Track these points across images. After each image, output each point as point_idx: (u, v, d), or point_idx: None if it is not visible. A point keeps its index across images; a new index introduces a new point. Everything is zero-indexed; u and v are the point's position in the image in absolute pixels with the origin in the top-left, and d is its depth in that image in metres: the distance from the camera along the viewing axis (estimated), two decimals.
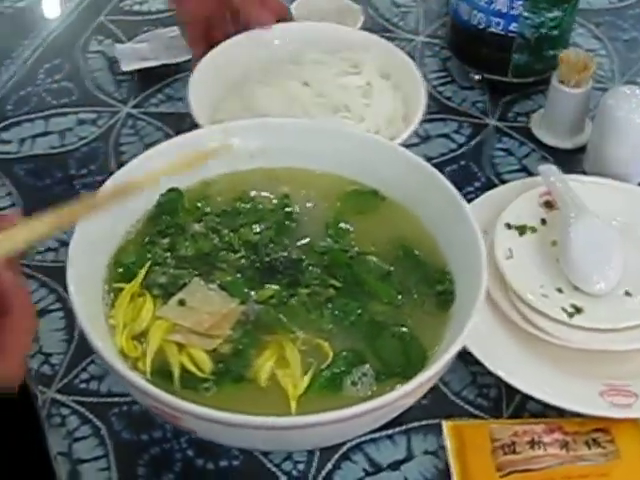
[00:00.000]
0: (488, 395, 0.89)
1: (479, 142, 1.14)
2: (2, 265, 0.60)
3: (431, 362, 0.76)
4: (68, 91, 1.22)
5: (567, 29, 1.16)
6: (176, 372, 0.75)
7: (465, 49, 1.21)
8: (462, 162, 1.12)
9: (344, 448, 0.84)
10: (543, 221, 0.98)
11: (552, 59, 1.13)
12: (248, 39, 1.11)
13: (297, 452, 0.84)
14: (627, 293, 0.91)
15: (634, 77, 1.24)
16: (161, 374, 0.75)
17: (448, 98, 1.21)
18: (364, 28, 1.18)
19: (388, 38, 1.16)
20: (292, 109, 1.03)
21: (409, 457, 0.84)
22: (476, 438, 0.83)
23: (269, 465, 0.83)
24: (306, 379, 0.75)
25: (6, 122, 1.17)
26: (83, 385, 0.89)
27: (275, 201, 0.90)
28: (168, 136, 1.11)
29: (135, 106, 1.19)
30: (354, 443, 0.84)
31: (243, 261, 0.84)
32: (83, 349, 0.90)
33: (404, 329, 0.79)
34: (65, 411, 0.87)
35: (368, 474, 0.83)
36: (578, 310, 0.89)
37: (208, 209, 0.88)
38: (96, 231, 0.79)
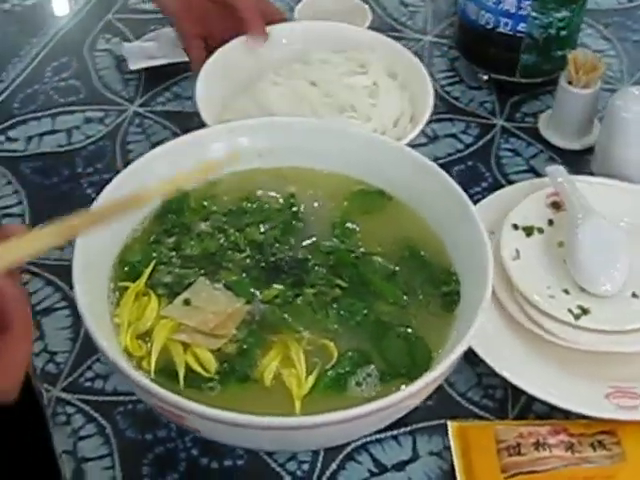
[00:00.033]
0: (494, 396, 0.88)
1: (486, 142, 1.14)
2: (3, 277, 0.61)
3: (436, 363, 0.76)
4: (75, 89, 1.22)
5: (575, 29, 1.16)
6: (181, 371, 0.75)
7: (473, 49, 1.21)
8: (469, 162, 1.12)
9: (349, 448, 0.84)
10: (550, 222, 0.98)
11: (560, 59, 1.12)
12: None
13: (301, 452, 0.84)
14: (634, 295, 0.91)
15: None
16: (166, 373, 0.75)
17: (456, 98, 1.20)
18: (372, 27, 1.18)
19: (396, 37, 1.16)
20: (300, 108, 1.03)
21: (414, 458, 0.84)
22: (481, 439, 0.83)
23: (273, 465, 0.83)
24: (311, 379, 0.75)
25: (13, 120, 1.17)
26: (88, 383, 0.89)
27: (281, 201, 0.90)
28: (175, 135, 1.12)
29: (142, 104, 1.19)
30: (359, 443, 0.84)
31: (249, 261, 0.84)
32: (88, 347, 0.90)
33: (409, 329, 0.79)
34: (70, 409, 0.87)
35: (373, 474, 0.83)
36: (584, 311, 0.89)
37: (214, 208, 0.88)
38: (102, 230, 0.79)
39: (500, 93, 1.21)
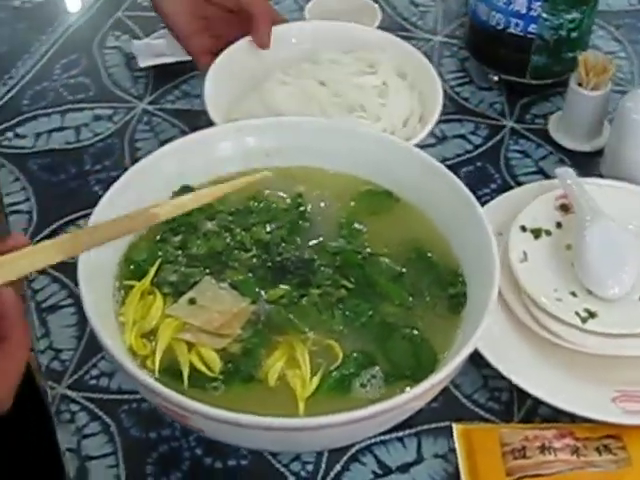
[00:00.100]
0: (499, 399, 0.88)
1: (496, 143, 1.14)
2: (6, 288, 0.61)
3: (442, 365, 0.75)
4: (84, 86, 1.22)
5: (586, 31, 1.15)
6: (185, 371, 0.75)
7: (483, 50, 1.21)
8: (478, 163, 1.11)
9: (353, 449, 0.84)
10: (558, 224, 0.97)
11: (571, 61, 1.12)
12: None
13: (305, 453, 0.84)
14: None
15: None
16: (170, 372, 0.75)
17: (465, 99, 1.20)
18: (382, 27, 1.18)
19: (406, 37, 1.15)
20: (309, 108, 1.02)
21: (419, 460, 0.84)
22: (486, 442, 0.82)
23: (277, 465, 0.83)
24: (315, 380, 0.75)
25: (22, 117, 1.17)
26: (93, 381, 0.89)
27: (289, 200, 0.89)
28: (183, 133, 1.12)
29: (151, 102, 1.19)
30: (363, 445, 0.84)
31: (255, 260, 0.83)
32: (94, 345, 0.90)
33: (415, 331, 0.79)
34: (75, 407, 0.87)
35: (377, 476, 0.83)
36: (592, 315, 0.88)
37: (221, 207, 0.88)
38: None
39: (510, 94, 1.20)
